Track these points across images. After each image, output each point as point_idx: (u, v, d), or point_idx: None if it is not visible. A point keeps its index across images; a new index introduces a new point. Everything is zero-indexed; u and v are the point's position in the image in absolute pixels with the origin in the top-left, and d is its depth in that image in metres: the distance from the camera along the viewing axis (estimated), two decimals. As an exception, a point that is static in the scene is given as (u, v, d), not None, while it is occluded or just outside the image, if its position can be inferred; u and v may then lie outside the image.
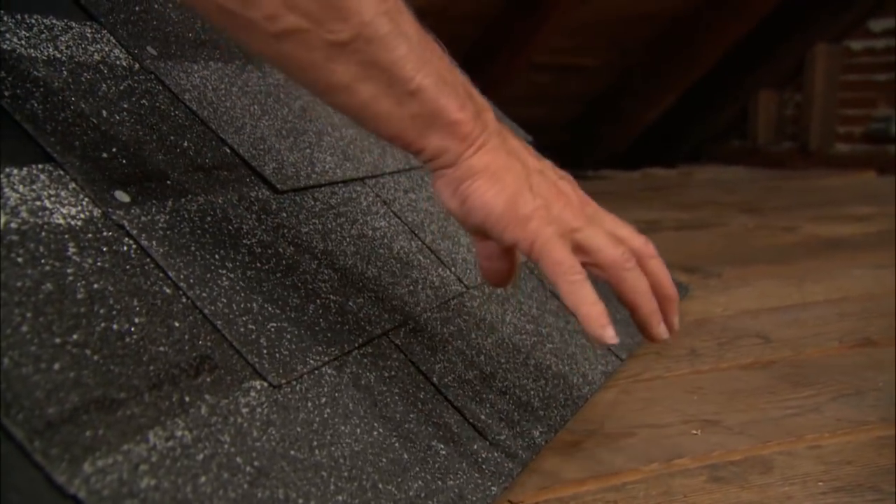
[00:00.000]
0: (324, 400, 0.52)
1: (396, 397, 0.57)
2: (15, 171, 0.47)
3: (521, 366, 0.71)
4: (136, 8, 0.68)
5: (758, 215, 1.84)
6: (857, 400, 0.76)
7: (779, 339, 0.94)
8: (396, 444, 0.54)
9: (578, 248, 0.54)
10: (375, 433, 0.53)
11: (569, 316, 0.83)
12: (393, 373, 0.59)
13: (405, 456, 0.53)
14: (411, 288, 0.68)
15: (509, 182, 0.52)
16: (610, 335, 0.54)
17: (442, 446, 0.56)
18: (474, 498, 0.54)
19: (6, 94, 0.51)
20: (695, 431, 0.70)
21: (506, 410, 0.64)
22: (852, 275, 1.24)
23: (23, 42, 0.55)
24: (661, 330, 0.58)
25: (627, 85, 2.64)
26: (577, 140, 2.62)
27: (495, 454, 0.59)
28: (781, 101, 3.01)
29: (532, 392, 0.69)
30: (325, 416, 0.51)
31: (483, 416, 0.62)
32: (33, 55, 0.55)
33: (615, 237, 0.56)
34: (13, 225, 0.45)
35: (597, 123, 2.76)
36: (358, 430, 0.52)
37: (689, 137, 3.02)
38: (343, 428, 0.52)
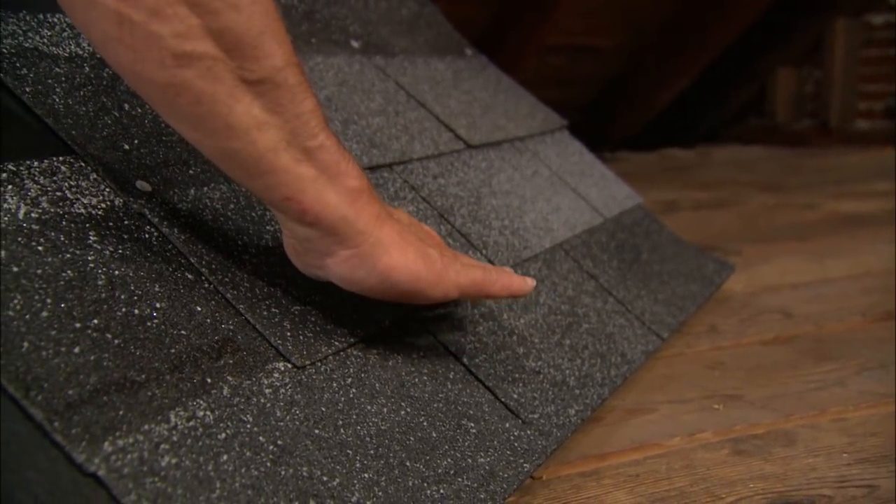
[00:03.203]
0: (349, 380, 0.52)
1: (425, 377, 0.57)
2: (36, 164, 0.48)
3: (556, 346, 0.70)
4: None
5: (778, 193, 1.79)
6: (881, 373, 0.73)
7: (801, 314, 0.92)
8: (425, 423, 0.53)
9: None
10: (403, 412, 0.53)
11: (606, 296, 0.82)
12: (421, 353, 0.59)
13: (433, 434, 0.53)
14: (440, 270, 0.68)
15: (413, 245, 0.52)
16: (531, 280, 0.60)
17: (472, 425, 0.56)
18: (506, 475, 0.53)
19: (28, 90, 0.52)
20: (716, 406, 0.68)
21: (540, 389, 0.63)
22: (874, 250, 1.20)
23: (45, 40, 0.56)
24: (524, 281, 0.60)
25: (643, 65, 2.59)
26: (592, 122, 2.58)
27: (528, 432, 0.58)
28: (800, 78, 2.92)
29: (567, 371, 0.67)
30: (351, 395, 0.51)
31: (516, 396, 0.61)
32: (55, 52, 0.56)
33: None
34: (34, 215, 0.45)
35: (612, 105, 2.72)
36: (385, 410, 0.52)
37: (706, 117, 2.95)
38: (369, 407, 0.51)
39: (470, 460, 0.52)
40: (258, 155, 0.45)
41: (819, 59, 2.82)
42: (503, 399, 0.60)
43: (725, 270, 1.02)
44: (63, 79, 0.54)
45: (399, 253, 0.51)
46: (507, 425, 0.58)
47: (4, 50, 0.52)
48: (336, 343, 0.54)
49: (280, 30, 0.44)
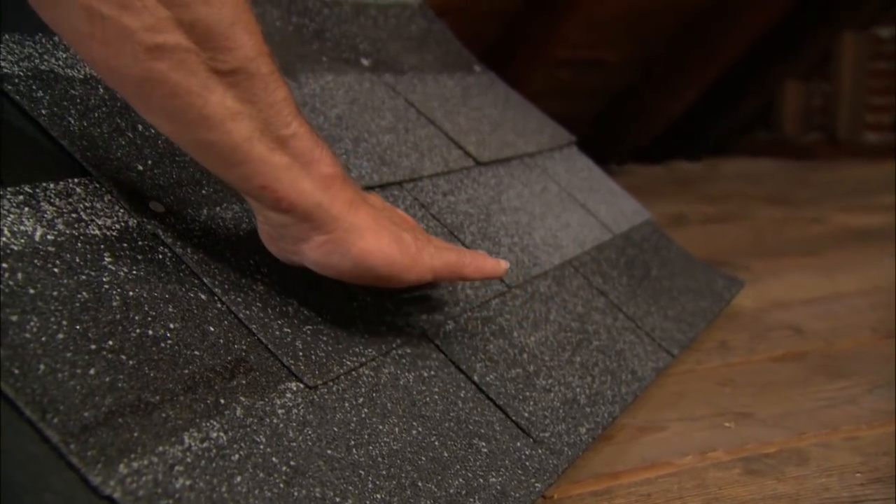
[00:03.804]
0: (361, 400, 0.52)
1: (436, 397, 0.57)
2: (52, 185, 0.49)
3: (567, 363, 0.70)
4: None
5: (786, 207, 1.78)
6: (892, 391, 0.73)
7: (811, 330, 0.91)
8: (436, 443, 0.53)
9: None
10: (414, 432, 0.53)
11: (616, 313, 0.82)
12: (432, 372, 0.59)
13: (445, 454, 0.53)
14: (450, 288, 0.68)
15: (387, 229, 0.52)
16: (505, 262, 0.62)
17: (484, 444, 0.56)
18: (517, 495, 0.53)
19: (44, 112, 0.52)
20: (728, 424, 0.68)
21: (550, 408, 0.63)
22: (884, 265, 1.19)
23: (60, 63, 0.57)
24: (497, 264, 0.62)
25: (650, 78, 2.59)
26: (599, 135, 2.59)
27: (539, 451, 0.58)
28: (808, 91, 2.92)
29: (578, 389, 0.67)
30: (363, 415, 0.51)
31: (526, 414, 0.61)
32: (70, 74, 0.56)
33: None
34: (49, 237, 0.46)
35: (620, 118, 2.72)
36: (396, 430, 0.52)
37: (713, 130, 2.95)
38: (381, 427, 0.51)
39: (482, 480, 0.52)
40: (233, 145, 0.45)
41: (827, 71, 2.82)
42: (514, 418, 0.60)
43: (735, 286, 1.02)
44: (78, 101, 0.55)
45: (373, 237, 0.51)
46: (519, 444, 0.58)
47: (21, 72, 0.53)
48: (347, 362, 0.54)
49: (250, 20, 0.45)
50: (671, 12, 2.34)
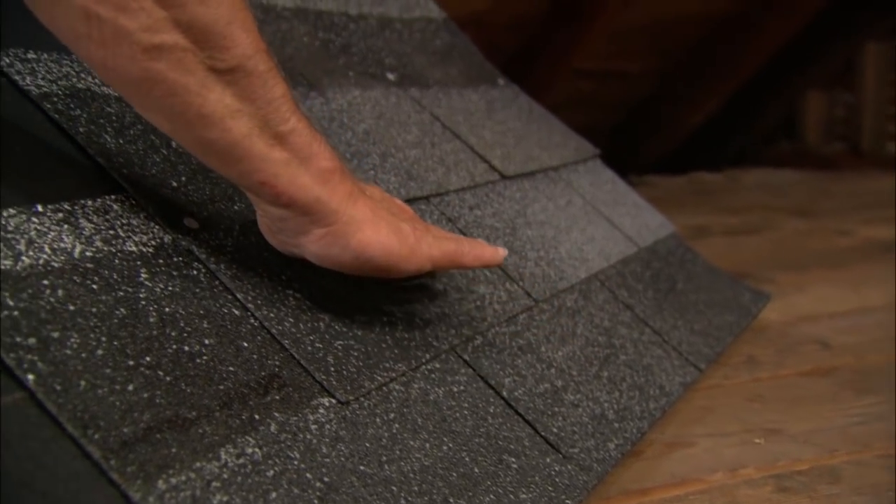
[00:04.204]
0: (392, 415, 0.53)
1: (465, 412, 0.57)
2: (89, 203, 0.49)
3: (594, 378, 0.69)
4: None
5: (810, 219, 1.76)
6: None
7: (839, 345, 0.91)
8: (467, 459, 0.53)
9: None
10: (445, 448, 0.53)
11: (643, 327, 0.82)
12: (461, 387, 0.59)
13: (476, 470, 0.53)
14: (478, 303, 0.68)
15: (386, 220, 0.53)
16: (503, 249, 0.63)
17: (513, 460, 0.56)
18: (548, 512, 0.53)
19: (81, 129, 0.53)
20: (758, 440, 0.68)
21: (579, 423, 0.63)
22: None
23: (96, 80, 0.57)
24: (496, 252, 0.63)
25: (671, 89, 2.58)
26: (620, 145, 2.57)
27: (569, 467, 0.58)
28: (831, 101, 2.90)
29: (606, 404, 0.67)
30: (394, 431, 0.52)
31: (555, 430, 0.61)
32: (106, 92, 0.57)
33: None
34: (88, 253, 0.46)
35: (640, 128, 2.71)
36: (427, 445, 0.52)
37: (735, 140, 2.93)
38: (412, 443, 0.52)
39: (512, 496, 0.52)
40: (233, 142, 0.46)
41: (850, 82, 2.80)
42: (543, 433, 0.60)
43: (761, 300, 1.01)
44: (114, 118, 0.56)
45: (372, 229, 0.52)
46: (548, 460, 0.58)
47: (59, 91, 0.54)
48: (378, 378, 0.54)
49: (247, 18, 0.45)
50: (693, 24, 2.33)
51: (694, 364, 0.81)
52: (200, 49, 0.43)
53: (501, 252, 0.62)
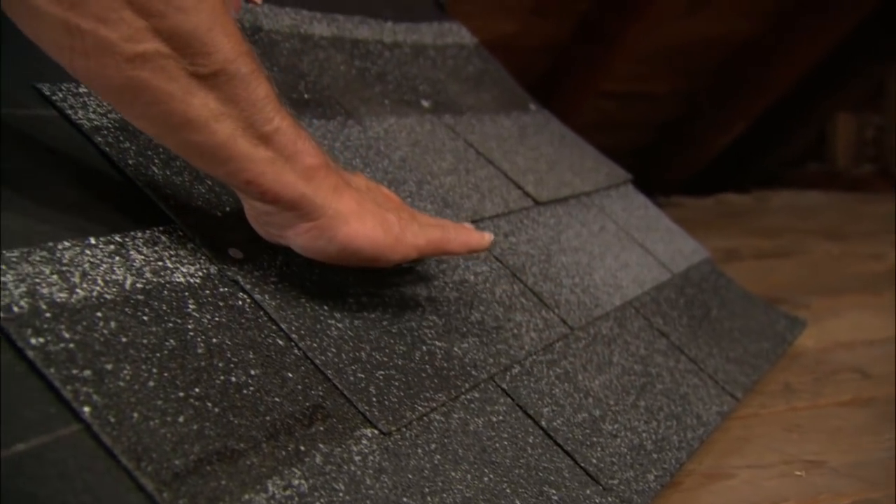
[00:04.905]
0: (433, 446, 0.53)
1: (505, 442, 0.57)
2: (139, 234, 0.50)
3: (632, 407, 0.69)
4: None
5: (842, 242, 1.74)
6: None
7: (877, 374, 0.90)
8: (507, 490, 0.53)
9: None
10: (486, 479, 0.53)
11: (678, 355, 0.81)
12: (501, 417, 0.59)
13: (517, 502, 0.53)
14: (515, 331, 0.68)
15: (372, 212, 0.54)
16: (489, 234, 0.64)
17: (554, 492, 0.55)
18: (590, 545, 0.53)
19: (130, 162, 0.54)
20: (798, 472, 0.67)
21: (618, 454, 0.63)
22: None
23: (143, 113, 0.59)
24: (482, 237, 0.64)
25: (697, 110, 2.57)
26: (646, 166, 2.56)
27: (609, 499, 0.58)
28: (860, 123, 2.88)
29: (644, 434, 0.67)
30: (436, 462, 0.52)
31: (595, 460, 0.61)
32: (153, 125, 0.58)
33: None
34: (139, 285, 0.47)
35: (667, 149, 2.70)
36: (468, 477, 0.52)
37: (762, 162, 2.91)
38: (453, 474, 0.52)
39: (554, 529, 0.52)
40: (218, 144, 0.47)
41: (880, 104, 2.78)
42: (583, 464, 0.60)
43: (797, 327, 1.00)
44: (161, 150, 0.57)
45: (358, 222, 0.53)
46: (588, 492, 0.57)
47: (109, 124, 0.55)
48: (419, 408, 0.54)
49: (228, 22, 0.45)
50: (720, 45, 2.33)
51: (730, 393, 0.80)
52: (182, 56, 0.44)
53: (487, 237, 0.64)
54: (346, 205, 0.53)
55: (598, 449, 0.62)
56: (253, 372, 0.48)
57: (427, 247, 0.59)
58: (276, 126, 0.48)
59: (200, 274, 0.51)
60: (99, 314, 0.44)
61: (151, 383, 0.43)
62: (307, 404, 0.49)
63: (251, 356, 0.49)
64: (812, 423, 0.77)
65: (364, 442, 0.49)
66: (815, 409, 0.81)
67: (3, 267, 0.42)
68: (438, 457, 0.52)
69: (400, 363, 0.57)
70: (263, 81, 0.48)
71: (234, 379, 0.47)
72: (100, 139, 0.54)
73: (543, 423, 0.61)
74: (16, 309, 0.41)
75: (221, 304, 0.51)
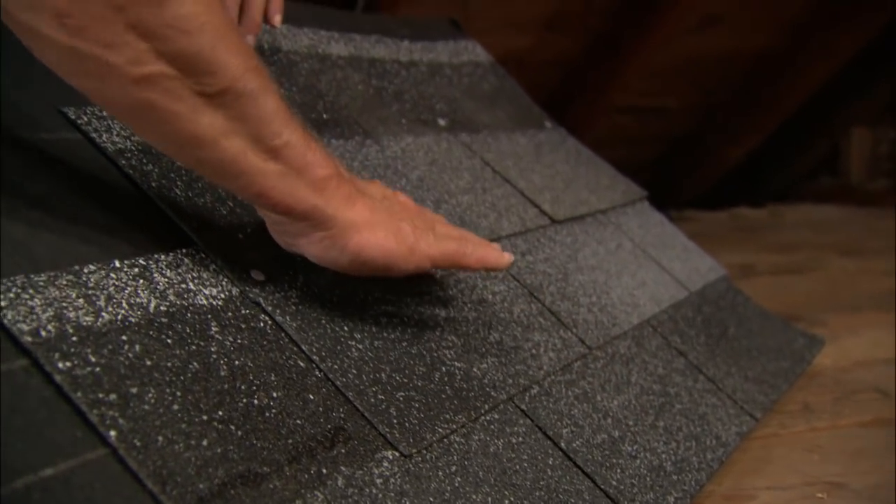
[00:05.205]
0: (454, 468, 0.53)
1: (525, 464, 0.57)
2: (162, 257, 0.51)
3: (651, 428, 0.69)
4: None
5: (858, 258, 1.72)
6: None
7: None
8: (528, 513, 0.53)
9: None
10: (507, 501, 0.53)
11: (697, 374, 0.81)
12: (520, 439, 0.59)
13: (538, 525, 0.53)
14: (534, 351, 0.68)
15: (384, 221, 0.54)
16: (509, 255, 0.63)
17: (574, 515, 0.55)
18: (611, 569, 0.52)
19: (153, 184, 0.55)
20: (820, 495, 0.66)
21: (637, 475, 0.62)
22: None
23: (166, 135, 0.59)
24: (501, 256, 0.63)
25: (711, 125, 2.57)
26: (659, 180, 2.56)
27: (630, 522, 0.57)
28: (876, 137, 2.86)
29: (664, 455, 0.67)
30: (456, 484, 0.52)
31: (615, 482, 0.60)
32: (175, 147, 0.59)
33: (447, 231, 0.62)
34: (163, 308, 0.48)
35: (680, 163, 2.69)
36: (489, 500, 0.52)
37: (776, 176, 2.90)
38: (474, 497, 0.52)
39: (575, 553, 0.52)
40: (228, 160, 0.47)
41: (895, 119, 2.77)
42: (603, 486, 0.59)
43: (816, 345, 1.00)
44: (183, 172, 0.57)
45: (369, 232, 0.53)
46: (608, 514, 0.57)
47: (133, 147, 0.56)
48: (439, 430, 0.54)
49: (233, 40, 0.46)
50: (733, 60, 2.33)
51: (749, 413, 0.80)
52: (187, 76, 0.44)
53: (507, 257, 0.63)
54: (358, 214, 0.53)
55: (618, 470, 0.62)
56: (275, 394, 0.48)
57: (441, 258, 0.59)
58: (285, 140, 0.48)
59: (223, 296, 0.52)
60: (124, 337, 0.44)
61: (175, 406, 0.43)
62: (329, 426, 0.49)
63: (273, 378, 0.49)
64: (833, 443, 0.77)
65: (385, 464, 0.49)
66: (835, 430, 0.80)
67: (31, 291, 0.42)
68: (459, 479, 0.52)
69: (420, 384, 0.57)
70: (272, 96, 0.48)
71: (256, 401, 0.47)
72: (124, 162, 0.54)
73: (563, 445, 0.61)
74: (44, 333, 0.41)
75: (243, 325, 0.51)
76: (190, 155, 0.48)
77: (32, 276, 0.43)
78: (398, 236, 0.55)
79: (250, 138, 0.47)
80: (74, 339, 0.42)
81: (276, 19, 0.77)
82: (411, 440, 0.52)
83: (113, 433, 0.39)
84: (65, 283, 0.44)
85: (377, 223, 0.54)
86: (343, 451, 0.48)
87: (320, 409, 0.50)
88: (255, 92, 0.47)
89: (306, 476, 0.45)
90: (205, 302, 0.50)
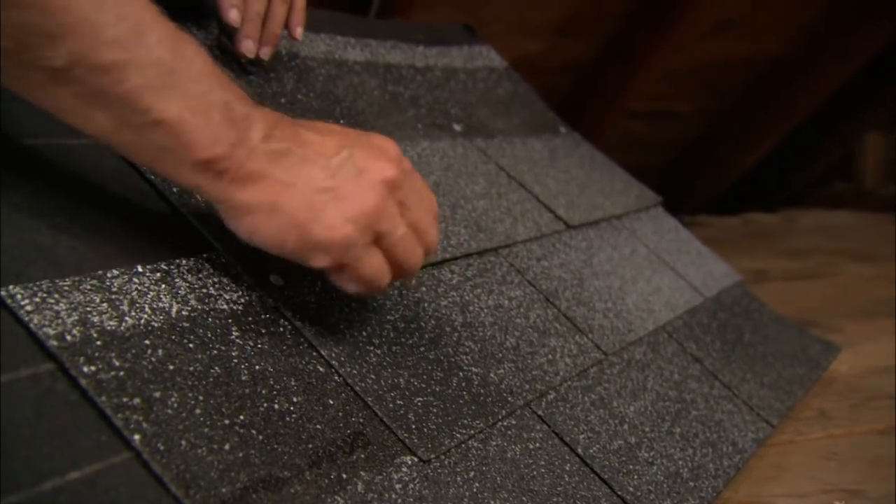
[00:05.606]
0: (472, 474, 0.53)
1: (542, 470, 0.57)
2: (184, 262, 0.51)
3: (667, 434, 0.69)
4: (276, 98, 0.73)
5: (872, 263, 1.71)
6: None
7: None
8: (546, 519, 0.53)
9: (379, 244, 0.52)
10: (525, 508, 0.53)
11: (712, 380, 0.81)
12: (537, 444, 0.59)
13: (556, 531, 0.53)
14: (550, 357, 0.68)
15: (292, 209, 0.48)
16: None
17: (592, 521, 0.55)
18: (629, 576, 0.52)
19: (175, 190, 0.55)
20: (838, 502, 0.66)
21: (654, 482, 0.62)
22: None
23: (186, 141, 0.60)
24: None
25: (724, 130, 2.56)
26: (672, 185, 2.55)
27: (647, 529, 0.57)
28: (889, 143, 2.85)
29: (680, 462, 0.66)
30: (475, 490, 0.52)
31: (631, 489, 0.60)
32: (195, 152, 0.59)
33: (415, 231, 0.54)
34: (184, 312, 0.48)
35: (692, 168, 2.69)
36: (507, 505, 0.52)
37: (789, 181, 2.89)
38: (492, 502, 0.52)
39: (593, 559, 0.52)
40: (106, 133, 0.45)
41: (908, 124, 2.76)
42: (620, 493, 0.59)
43: (832, 352, 0.99)
44: (204, 177, 0.58)
45: (263, 219, 0.48)
46: (626, 521, 0.57)
47: (154, 152, 0.56)
48: (457, 435, 0.55)
49: (92, 10, 0.42)
50: (746, 65, 2.33)
51: (765, 419, 0.79)
52: (25, 49, 0.41)
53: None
54: (253, 197, 0.48)
55: (635, 477, 0.62)
56: (295, 399, 0.49)
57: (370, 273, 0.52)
58: (156, 117, 0.44)
59: (243, 301, 0.52)
60: (147, 342, 0.45)
61: (198, 411, 0.43)
62: (348, 431, 0.49)
63: (293, 383, 0.50)
64: (850, 450, 0.76)
65: (404, 469, 0.50)
66: (852, 437, 0.80)
67: (56, 296, 0.43)
68: (477, 485, 0.52)
69: (437, 389, 0.57)
70: (138, 69, 0.43)
71: (276, 406, 0.47)
72: (146, 168, 0.55)
73: (580, 451, 0.61)
74: (69, 338, 0.41)
75: (263, 330, 0.51)
76: (72, 121, 0.45)
77: (57, 280, 0.44)
78: (302, 230, 0.48)
79: (118, 114, 0.44)
80: (99, 343, 0.43)
81: (298, 31, 0.77)
82: (430, 445, 0.52)
83: (137, 437, 0.40)
84: (89, 287, 0.45)
85: (276, 210, 0.48)
86: (363, 456, 0.48)
87: (340, 413, 0.50)
88: (113, 66, 0.42)
89: (327, 481, 0.45)
90: (226, 307, 0.51)
